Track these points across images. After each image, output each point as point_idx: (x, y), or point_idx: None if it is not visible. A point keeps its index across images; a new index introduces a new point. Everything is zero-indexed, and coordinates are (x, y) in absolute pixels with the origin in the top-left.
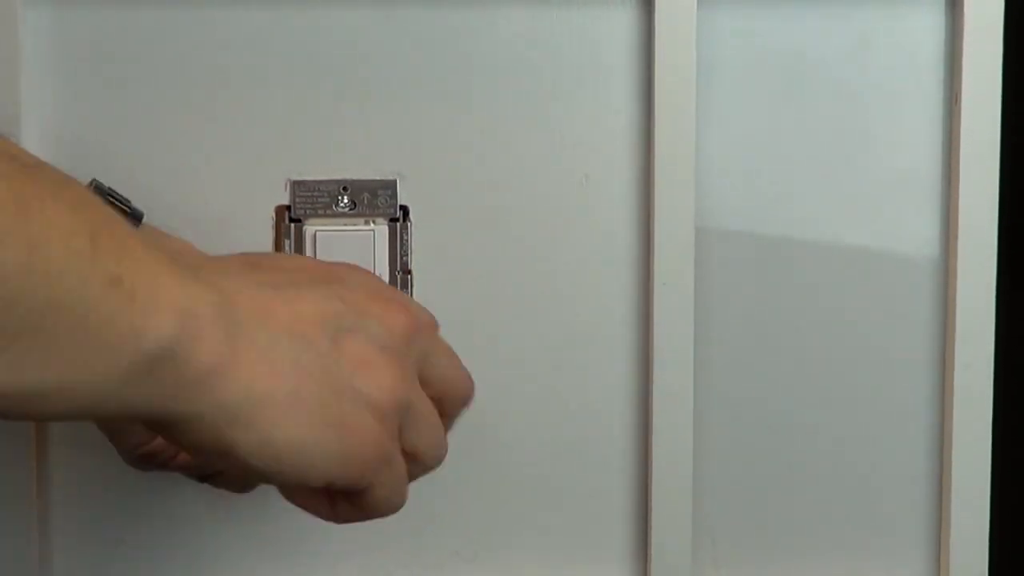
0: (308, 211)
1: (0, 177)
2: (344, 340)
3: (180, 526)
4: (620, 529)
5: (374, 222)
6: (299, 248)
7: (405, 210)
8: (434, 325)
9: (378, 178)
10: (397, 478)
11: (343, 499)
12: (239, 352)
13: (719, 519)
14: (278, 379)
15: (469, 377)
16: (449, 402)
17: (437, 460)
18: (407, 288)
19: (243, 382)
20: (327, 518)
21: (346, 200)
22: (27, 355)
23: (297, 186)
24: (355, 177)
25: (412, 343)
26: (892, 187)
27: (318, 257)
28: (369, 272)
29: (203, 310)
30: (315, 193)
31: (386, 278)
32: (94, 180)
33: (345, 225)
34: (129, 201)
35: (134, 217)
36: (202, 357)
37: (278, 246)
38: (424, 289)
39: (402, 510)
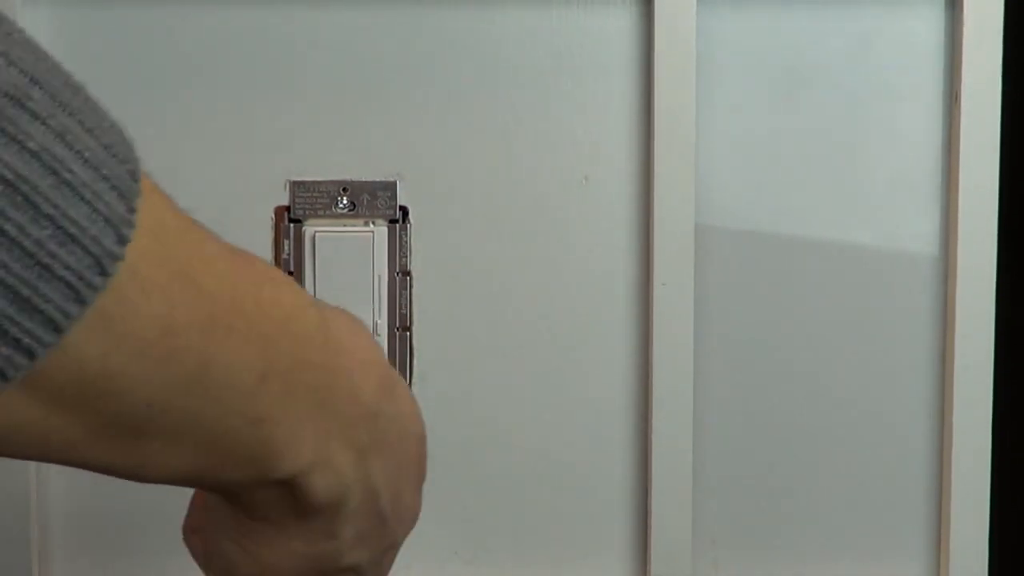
0: (308, 212)
1: (194, 294)
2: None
3: (180, 530)
4: (620, 529)
5: (373, 223)
6: (298, 248)
7: (405, 211)
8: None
9: (378, 179)
10: None
11: None
12: (305, 516)
13: (719, 519)
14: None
15: None
16: None
17: None
18: (407, 290)
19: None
20: None
21: (346, 201)
22: (158, 454)
23: (297, 186)
24: (355, 178)
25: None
26: (892, 187)
27: (317, 258)
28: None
29: (317, 480)
30: (315, 194)
31: (385, 279)
32: None
33: (345, 226)
34: None
35: None
36: (311, 497)
37: (278, 246)
38: (424, 290)
39: None
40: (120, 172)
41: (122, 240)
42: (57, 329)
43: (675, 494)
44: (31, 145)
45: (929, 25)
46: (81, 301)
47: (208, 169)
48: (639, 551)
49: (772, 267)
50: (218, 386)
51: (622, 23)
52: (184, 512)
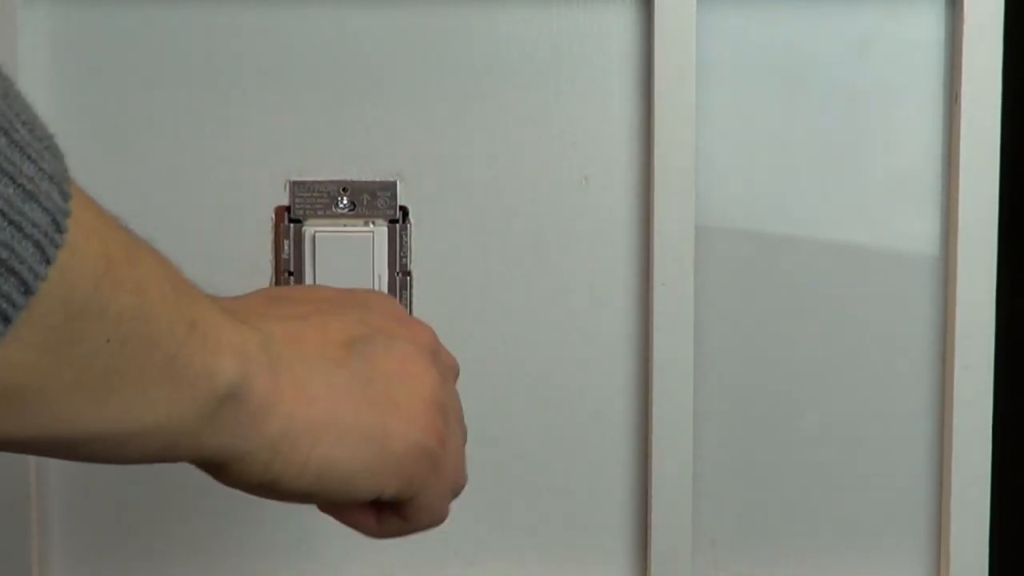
0: (308, 211)
1: (112, 230)
2: (376, 357)
3: (180, 529)
4: (620, 529)
5: (374, 223)
6: (298, 248)
7: (405, 211)
8: (456, 369)
9: (378, 179)
10: (442, 484)
11: (389, 513)
12: (280, 384)
13: (719, 520)
14: (314, 404)
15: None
16: None
17: (462, 484)
18: (407, 290)
19: (284, 413)
20: (373, 535)
21: (346, 201)
22: (129, 397)
23: (297, 186)
24: (355, 178)
25: (437, 357)
26: (892, 187)
27: (317, 258)
28: (391, 298)
29: (253, 349)
30: (315, 194)
31: (386, 279)
32: None
33: (345, 226)
34: None
35: None
36: (255, 395)
37: (278, 246)
38: (424, 290)
39: None
40: (46, 132)
41: (65, 196)
42: (28, 291)
43: (675, 494)
44: None
45: (929, 25)
46: (47, 260)
47: (208, 169)
48: (639, 552)
49: (772, 267)
50: (155, 302)
51: (622, 22)
52: (182, 512)
